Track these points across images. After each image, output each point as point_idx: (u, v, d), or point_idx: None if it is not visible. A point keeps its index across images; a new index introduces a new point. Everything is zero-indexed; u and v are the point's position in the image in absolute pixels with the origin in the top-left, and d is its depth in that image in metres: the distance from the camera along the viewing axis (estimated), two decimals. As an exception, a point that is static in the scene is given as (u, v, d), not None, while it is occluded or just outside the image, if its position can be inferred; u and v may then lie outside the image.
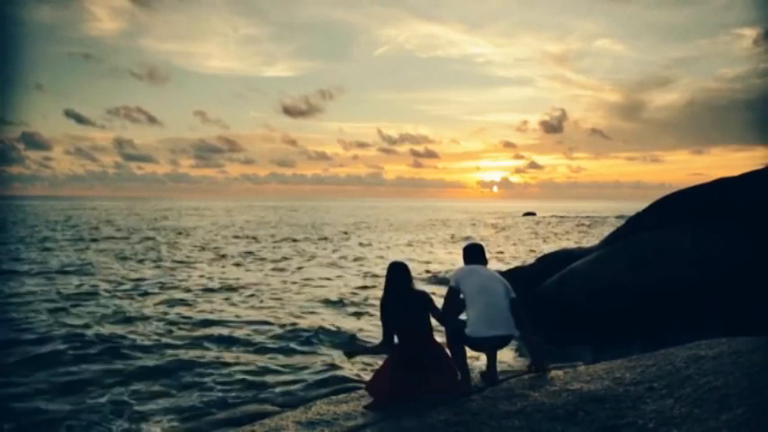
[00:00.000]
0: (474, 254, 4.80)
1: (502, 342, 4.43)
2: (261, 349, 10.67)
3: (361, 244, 35.98)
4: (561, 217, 79.84)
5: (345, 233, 46.24)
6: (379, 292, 5.02)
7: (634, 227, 13.73)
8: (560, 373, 4.26)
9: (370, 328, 12.41)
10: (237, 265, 24.13)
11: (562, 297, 11.90)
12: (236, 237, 40.62)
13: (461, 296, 4.53)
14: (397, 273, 4.67)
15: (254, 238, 39.97)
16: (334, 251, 30.78)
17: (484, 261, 4.80)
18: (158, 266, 22.87)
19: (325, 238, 40.05)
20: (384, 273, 4.85)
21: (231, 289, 17.55)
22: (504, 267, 19.39)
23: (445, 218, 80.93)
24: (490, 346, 4.43)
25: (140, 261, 24.62)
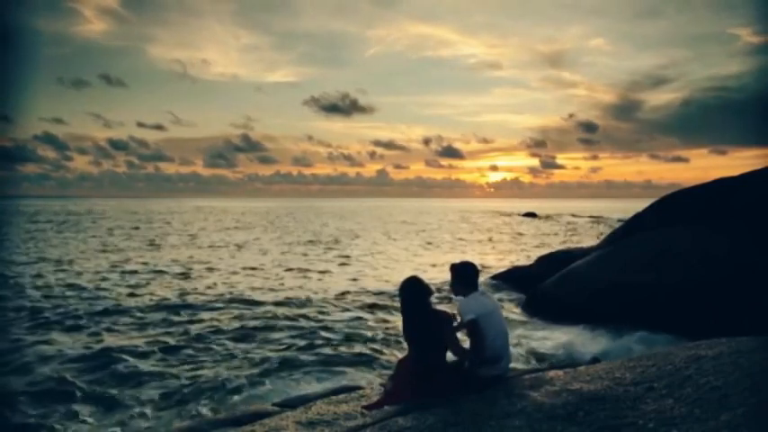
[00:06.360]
0: (472, 276, 4.48)
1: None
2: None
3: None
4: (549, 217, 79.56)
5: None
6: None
7: (634, 227, 13.74)
8: (560, 373, 4.25)
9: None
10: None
11: (562, 297, 11.91)
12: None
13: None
14: (408, 291, 4.33)
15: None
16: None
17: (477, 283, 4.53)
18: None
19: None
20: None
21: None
22: (503, 268, 19.35)
23: (445, 219, 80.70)
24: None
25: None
